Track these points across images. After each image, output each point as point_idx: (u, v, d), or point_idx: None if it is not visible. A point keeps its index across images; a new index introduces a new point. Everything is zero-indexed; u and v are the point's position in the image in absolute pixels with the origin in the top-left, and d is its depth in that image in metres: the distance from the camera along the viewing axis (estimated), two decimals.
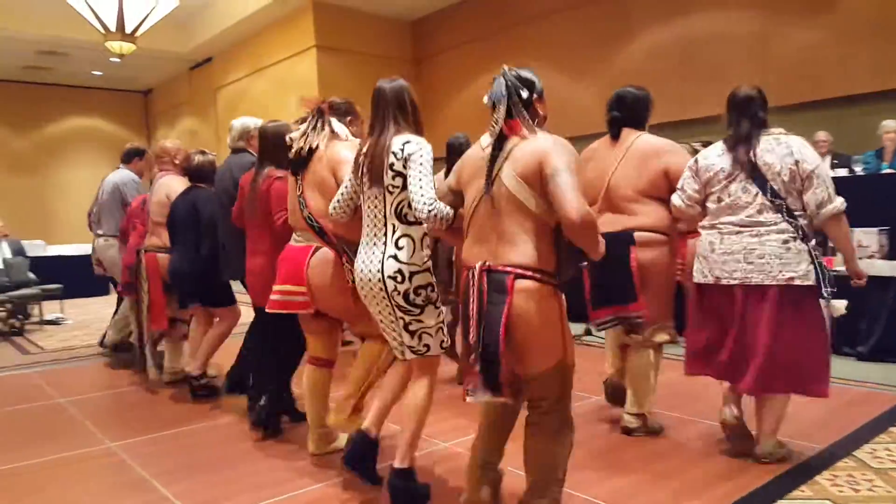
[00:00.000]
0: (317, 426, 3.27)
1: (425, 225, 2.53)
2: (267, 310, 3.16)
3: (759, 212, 2.84)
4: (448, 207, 2.45)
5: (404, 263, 2.56)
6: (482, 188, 2.24)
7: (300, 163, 3.07)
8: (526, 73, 2.33)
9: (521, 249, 2.16)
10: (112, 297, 6.23)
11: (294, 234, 3.17)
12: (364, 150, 2.68)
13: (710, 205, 2.99)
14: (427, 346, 2.65)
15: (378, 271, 2.58)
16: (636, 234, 3.24)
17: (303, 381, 3.27)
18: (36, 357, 6.27)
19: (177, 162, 4.85)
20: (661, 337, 3.34)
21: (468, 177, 2.35)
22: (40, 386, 5.05)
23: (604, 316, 3.35)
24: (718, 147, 3.01)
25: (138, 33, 8.89)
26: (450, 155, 4.34)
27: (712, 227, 2.98)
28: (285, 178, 3.30)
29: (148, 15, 8.72)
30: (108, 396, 4.69)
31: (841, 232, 2.88)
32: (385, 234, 2.63)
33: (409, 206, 2.54)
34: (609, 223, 3.27)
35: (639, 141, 3.32)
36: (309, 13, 10.19)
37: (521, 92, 2.25)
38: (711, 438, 3.31)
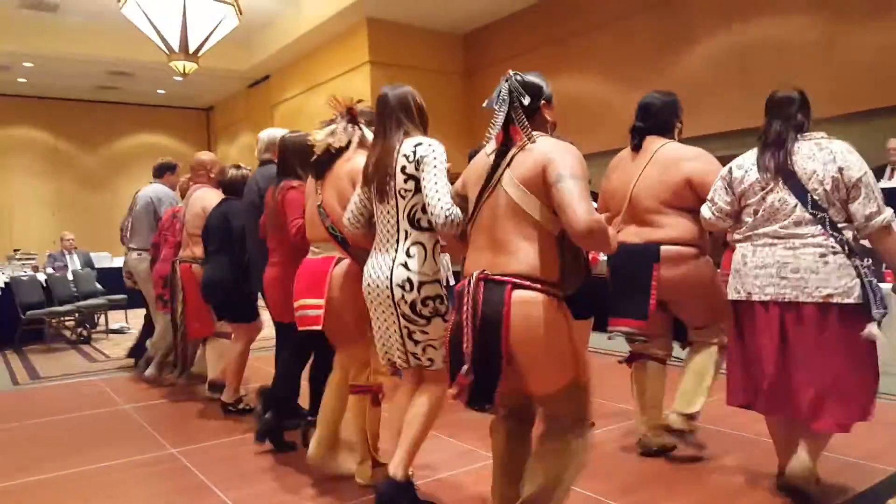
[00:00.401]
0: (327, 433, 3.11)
1: (438, 231, 2.44)
2: (299, 328, 3.09)
3: (797, 223, 2.57)
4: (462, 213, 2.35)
5: (414, 272, 2.48)
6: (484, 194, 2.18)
7: (323, 165, 2.98)
8: (532, 78, 2.25)
9: (521, 258, 2.06)
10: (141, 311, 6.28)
11: (311, 247, 3.09)
12: (371, 157, 2.62)
13: (747, 218, 2.73)
14: (431, 359, 2.56)
15: (387, 278, 2.51)
16: (662, 249, 3.08)
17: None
18: (102, 365, 6.53)
19: (212, 175, 4.90)
20: (719, 338, 3.19)
21: (472, 183, 2.26)
22: (106, 392, 5.26)
23: (614, 325, 3.26)
24: (754, 154, 2.76)
25: (200, 53, 9.21)
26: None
27: (746, 239, 2.73)
28: (300, 187, 3.27)
29: (209, 35, 9.04)
30: (168, 404, 4.85)
31: (891, 245, 2.56)
32: (397, 241, 2.55)
33: (423, 210, 2.47)
34: (633, 235, 3.17)
35: (663, 149, 3.18)
36: (363, 30, 10.37)
37: (523, 98, 2.15)
38: (751, 454, 3.23)
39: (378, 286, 2.55)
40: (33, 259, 10.29)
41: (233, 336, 4.46)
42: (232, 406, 4.38)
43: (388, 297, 2.51)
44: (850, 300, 2.48)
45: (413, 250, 2.51)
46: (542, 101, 2.26)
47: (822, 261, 2.51)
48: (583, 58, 9.52)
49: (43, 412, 4.75)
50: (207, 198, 4.64)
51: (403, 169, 2.49)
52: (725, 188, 2.80)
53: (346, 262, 2.93)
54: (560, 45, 9.84)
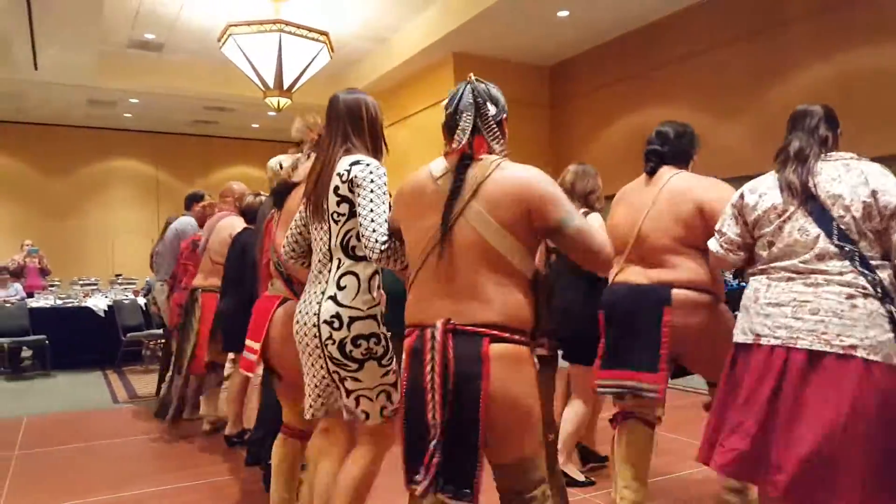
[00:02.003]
0: None
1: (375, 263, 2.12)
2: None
3: (820, 258, 2.10)
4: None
5: (343, 307, 2.12)
6: (434, 228, 1.79)
7: (281, 196, 2.69)
8: (492, 88, 2.00)
9: (496, 306, 1.72)
10: None
11: (269, 284, 2.80)
12: (312, 171, 2.29)
13: (761, 251, 2.28)
14: (365, 412, 2.16)
15: (314, 314, 2.14)
16: (674, 293, 2.65)
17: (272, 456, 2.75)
18: None
19: (238, 204, 4.79)
20: None
21: (412, 214, 1.88)
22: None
23: (609, 378, 2.77)
24: (770, 178, 2.31)
25: (294, 88, 9.58)
26: None
27: (762, 272, 2.26)
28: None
29: (303, 71, 9.40)
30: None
31: None
32: (329, 271, 2.20)
33: (358, 237, 2.14)
34: (638, 275, 2.76)
35: (674, 180, 2.79)
36: (449, 64, 10.56)
37: (489, 105, 1.90)
38: None
39: (305, 324, 2.19)
40: (134, 283, 10.83)
41: (235, 367, 4.31)
42: (236, 438, 4.32)
43: (315, 336, 2.15)
44: (878, 357, 1.97)
45: (344, 280, 2.15)
46: (503, 115, 1.97)
47: (848, 303, 2.03)
48: (672, 89, 9.37)
49: (139, 430, 4.96)
50: (234, 225, 4.51)
51: (336, 189, 2.17)
52: (735, 216, 2.37)
53: (290, 302, 2.56)
54: (647, 76, 9.73)
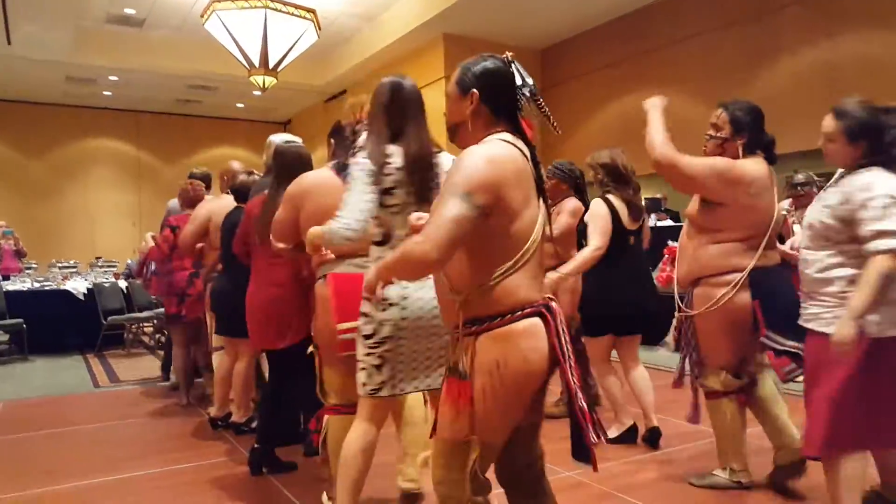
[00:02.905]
0: None
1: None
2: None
3: None
4: None
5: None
6: (539, 210, 1.84)
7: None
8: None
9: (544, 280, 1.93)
10: None
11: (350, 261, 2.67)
12: (406, 155, 2.34)
13: None
14: (363, 383, 2.33)
15: (432, 298, 2.24)
16: None
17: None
18: None
19: (230, 183, 4.58)
20: None
21: (522, 196, 1.79)
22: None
23: (788, 365, 2.86)
24: None
25: (280, 68, 9.39)
26: None
27: None
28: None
29: (289, 50, 9.21)
30: None
31: None
32: None
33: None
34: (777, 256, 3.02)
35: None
36: (439, 45, 10.40)
37: (529, 86, 1.96)
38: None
39: (431, 310, 2.35)
40: (114, 266, 10.63)
41: (238, 353, 4.12)
42: (244, 426, 4.18)
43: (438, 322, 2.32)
44: None
45: None
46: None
47: None
48: (662, 73, 9.30)
49: (121, 414, 4.83)
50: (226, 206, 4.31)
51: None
52: None
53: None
54: (639, 60, 9.64)
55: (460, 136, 1.92)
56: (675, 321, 3.25)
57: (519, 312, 1.76)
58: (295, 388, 3.37)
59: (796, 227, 4.76)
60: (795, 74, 7.84)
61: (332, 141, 2.96)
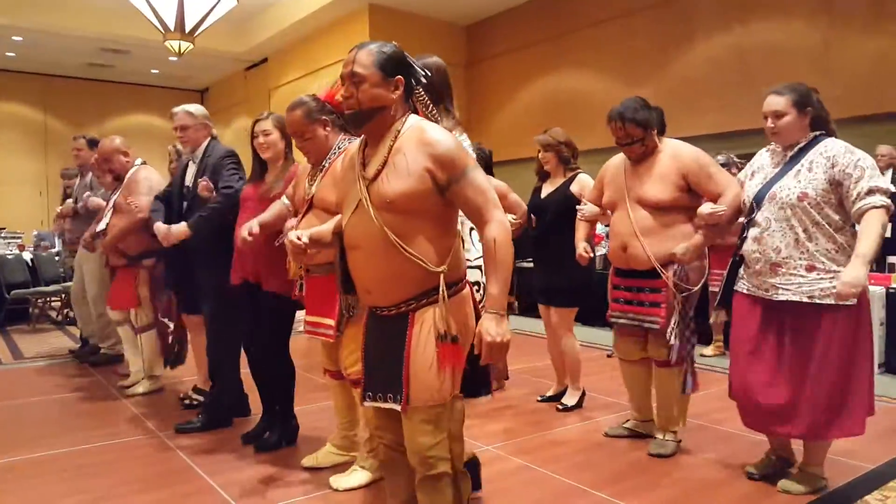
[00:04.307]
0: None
1: None
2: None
3: None
4: None
5: None
6: None
7: None
8: None
9: None
10: None
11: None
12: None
13: None
14: None
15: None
16: None
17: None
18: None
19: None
20: None
21: None
22: (92, 374, 5.19)
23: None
24: None
25: (197, 33, 9.08)
26: None
27: None
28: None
29: (207, 14, 8.90)
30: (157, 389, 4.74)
31: None
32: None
33: None
34: None
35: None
36: (364, 15, 10.27)
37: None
38: (732, 448, 3.21)
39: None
40: (19, 238, 10.14)
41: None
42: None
43: None
44: None
45: None
46: None
47: None
48: (583, 54, 9.47)
49: (27, 392, 4.66)
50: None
51: None
52: None
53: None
54: (561, 40, 9.78)
55: (375, 122, 1.93)
56: (665, 301, 3.16)
57: (465, 277, 2.03)
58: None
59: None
60: (709, 58, 8.12)
61: (328, 119, 2.90)
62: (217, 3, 8.82)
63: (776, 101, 2.73)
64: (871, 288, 4.24)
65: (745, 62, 7.66)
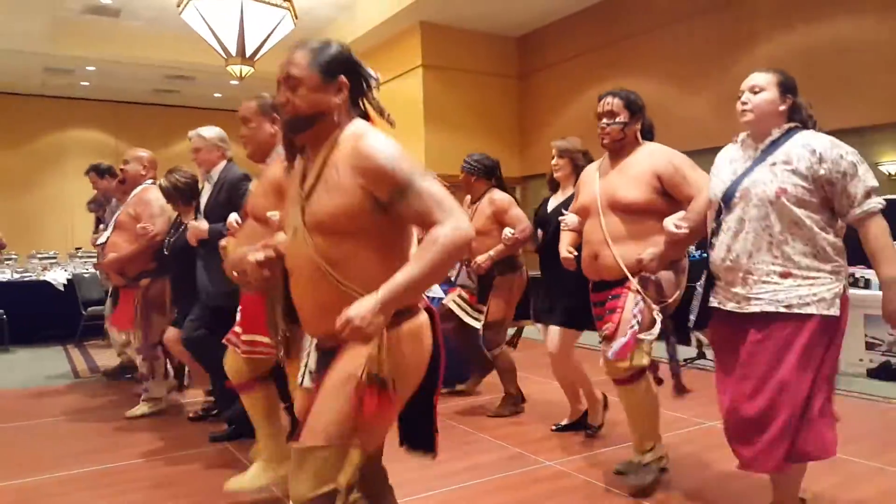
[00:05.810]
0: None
1: None
2: None
3: None
4: None
5: None
6: None
7: None
8: None
9: None
10: None
11: None
12: None
13: None
14: None
15: None
16: None
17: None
18: None
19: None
20: None
21: None
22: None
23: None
24: None
25: (257, 57, 9.37)
26: None
27: None
28: None
29: (266, 39, 9.19)
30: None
31: None
32: None
33: None
34: None
35: None
36: (416, 33, 10.41)
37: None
38: None
39: None
40: (94, 257, 10.56)
41: None
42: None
43: None
44: None
45: None
46: None
47: None
48: (640, 59, 9.37)
49: (103, 405, 4.87)
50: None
51: None
52: None
53: None
54: (616, 46, 9.71)
55: (314, 130, 1.71)
56: (622, 308, 2.96)
57: (419, 306, 1.70)
58: None
59: None
60: (772, 59, 7.92)
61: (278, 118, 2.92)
62: (275, 28, 9.10)
63: (758, 76, 2.51)
64: None
65: (810, 63, 7.44)
